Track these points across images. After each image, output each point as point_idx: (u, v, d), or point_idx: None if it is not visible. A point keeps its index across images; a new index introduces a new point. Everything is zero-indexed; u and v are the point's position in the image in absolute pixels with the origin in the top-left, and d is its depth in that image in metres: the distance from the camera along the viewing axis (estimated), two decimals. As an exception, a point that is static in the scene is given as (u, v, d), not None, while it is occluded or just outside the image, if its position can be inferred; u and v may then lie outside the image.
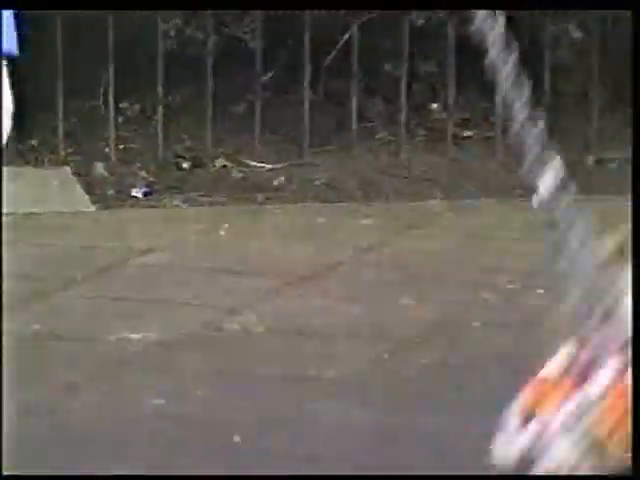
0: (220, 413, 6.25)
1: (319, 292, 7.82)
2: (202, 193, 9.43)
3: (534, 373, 5.84)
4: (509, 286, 7.94)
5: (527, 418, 3.02)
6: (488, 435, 5.96)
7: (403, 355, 7.03)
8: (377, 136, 10.48)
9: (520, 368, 6.55)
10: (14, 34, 4.61)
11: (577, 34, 10.06)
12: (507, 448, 3.14)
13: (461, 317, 7.52)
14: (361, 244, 8.53)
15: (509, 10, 7.71)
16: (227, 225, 8.78)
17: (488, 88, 9.47)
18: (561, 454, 3.00)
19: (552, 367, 3.53)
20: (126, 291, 7.83)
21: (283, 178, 9.64)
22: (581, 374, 3.14)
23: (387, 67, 10.54)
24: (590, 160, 10.25)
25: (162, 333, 7.18)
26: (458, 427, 5.81)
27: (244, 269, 7.99)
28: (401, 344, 7.16)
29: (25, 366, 6.49)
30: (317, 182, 9.64)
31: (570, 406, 2.82)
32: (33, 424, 6.02)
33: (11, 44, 4.51)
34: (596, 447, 2.91)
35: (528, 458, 2.97)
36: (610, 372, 2.88)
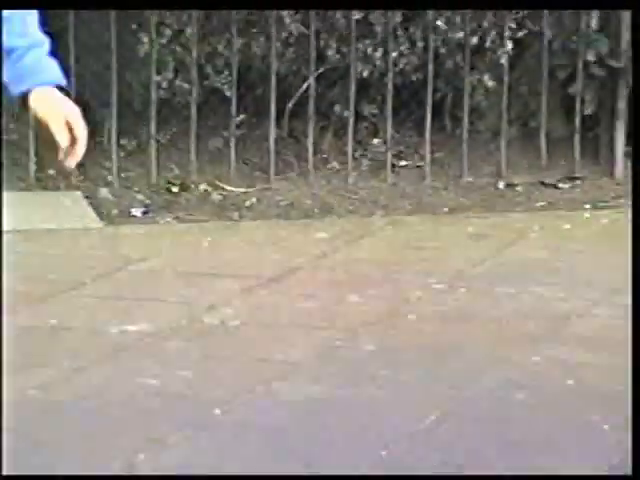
0: (203, 390, 6.13)
1: (283, 291, 7.76)
2: (188, 212, 9.32)
3: (458, 357, 5.44)
4: (437, 286, 7.83)
5: None
6: (416, 403, 5.17)
7: (351, 342, 6.92)
8: (329, 165, 10.32)
9: (445, 353, 6.31)
10: (56, 65, 5.83)
11: (490, 83, 10.04)
12: None
13: (399, 311, 7.39)
14: (317, 252, 8.45)
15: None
16: (209, 238, 8.75)
17: (419, 126, 9.52)
18: None
19: None
20: (125, 291, 7.84)
21: (254, 199, 9.58)
22: None
23: (337, 109, 10.32)
24: (501, 184, 10.21)
25: (154, 326, 7.10)
26: (394, 398, 5.86)
27: (222, 273, 7.91)
28: (349, 333, 7.06)
29: (41, 352, 6.61)
30: (281, 203, 9.56)
31: None
32: (49, 398, 5.94)
33: (58, 75, 4.99)
34: None
35: None
36: None
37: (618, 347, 6.38)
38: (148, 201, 9.43)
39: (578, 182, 10.82)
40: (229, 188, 9.63)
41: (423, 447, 5.57)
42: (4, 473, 4.08)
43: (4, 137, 9.80)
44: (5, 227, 9.48)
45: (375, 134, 10.87)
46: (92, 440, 5.45)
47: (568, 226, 9.55)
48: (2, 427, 4.42)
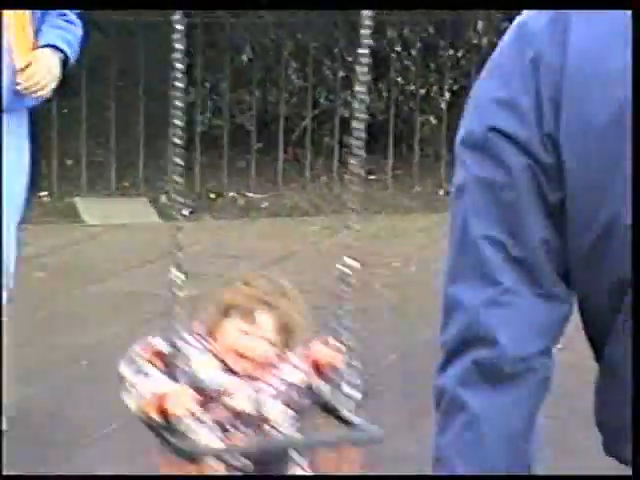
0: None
1: (286, 267, 8.12)
2: (221, 213, 9.87)
3: (408, 311, 5.51)
4: (395, 264, 8.56)
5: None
6: (383, 343, 5.91)
7: (331, 301, 7.34)
8: (320, 179, 10.71)
9: (401, 310, 6.96)
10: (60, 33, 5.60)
11: (434, 121, 10.90)
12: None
13: (367, 280, 7.63)
14: (310, 240, 9.07)
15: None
16: (235, 231, 9.39)
17: (384, 151, 10.25)
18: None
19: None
20: (182, 266, 8.31)
21: (267, 203, 10.04)
22: None
23: (326, 140, 10.74)
24: (441, 192, 10.62)
25: (199, 290, 7.67)
26: (363, 345, 6.42)
27: (244, 255, 8.41)
28: (331, 295, 7.39)
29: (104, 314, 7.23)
30: (286, 205, 10.02)
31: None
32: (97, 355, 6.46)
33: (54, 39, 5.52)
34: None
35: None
36: None
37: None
38: (194, 204, 9.59)
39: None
40: (250, 195, 10.13)
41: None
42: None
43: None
44: (93, 222, 9.58)
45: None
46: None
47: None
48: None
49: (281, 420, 3.54)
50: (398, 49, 11.28)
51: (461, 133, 2.13)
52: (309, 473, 3.56)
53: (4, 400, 5.11)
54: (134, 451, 5.14)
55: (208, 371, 3.50)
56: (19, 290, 6.06)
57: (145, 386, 3.39)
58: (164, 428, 3.43)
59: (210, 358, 3.49)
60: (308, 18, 11.12)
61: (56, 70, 5.42)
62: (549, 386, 2.29)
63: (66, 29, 5.52)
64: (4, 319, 5.35)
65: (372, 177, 10.58)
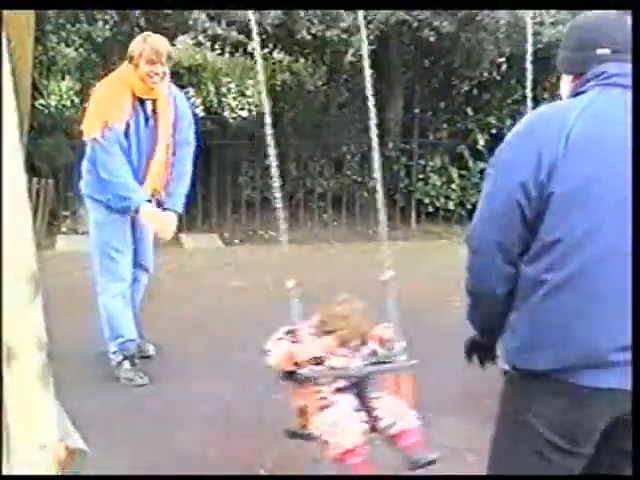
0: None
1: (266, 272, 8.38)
2: (253, 242, 11.82)
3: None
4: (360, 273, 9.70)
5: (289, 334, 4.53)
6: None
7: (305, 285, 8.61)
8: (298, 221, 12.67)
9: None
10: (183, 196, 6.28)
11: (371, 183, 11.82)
12: (274, 349, 4.57)
13: (318, 279, 9.12)
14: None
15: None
16: (257, 252, 10.92)
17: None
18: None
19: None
20: (216, 277, 9.69)
21: (273, 233, 9.98)
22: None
23: (308, 183, 12.72)
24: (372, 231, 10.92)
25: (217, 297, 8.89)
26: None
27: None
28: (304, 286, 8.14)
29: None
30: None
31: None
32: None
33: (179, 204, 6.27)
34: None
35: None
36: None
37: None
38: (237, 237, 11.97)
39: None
40: (270, 233, 11.71)
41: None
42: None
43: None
44: (188, 247, 10.30)
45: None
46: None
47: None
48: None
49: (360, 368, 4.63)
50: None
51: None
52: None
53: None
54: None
55: (316, 346, 4.56)
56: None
57: (280, 349, 4.57)
58: (291, 373, 4.54)
59: (318, 339, 4.58)
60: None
61: (174, 227, 6.23)
62: None
63: (187, 177, 6.34)
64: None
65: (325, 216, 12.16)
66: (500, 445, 3.06)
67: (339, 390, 4.47)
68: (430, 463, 4.36)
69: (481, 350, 3.31)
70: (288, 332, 4.57)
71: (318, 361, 4.48)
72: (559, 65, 3.07)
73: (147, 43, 5.81)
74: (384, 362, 4.64)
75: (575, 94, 2.92)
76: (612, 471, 3.02)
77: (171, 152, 6.16)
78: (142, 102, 5.95)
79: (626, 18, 2.93)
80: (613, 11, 3.07)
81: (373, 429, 4.42)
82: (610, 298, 2.77)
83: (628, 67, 2.84)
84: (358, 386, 4.54)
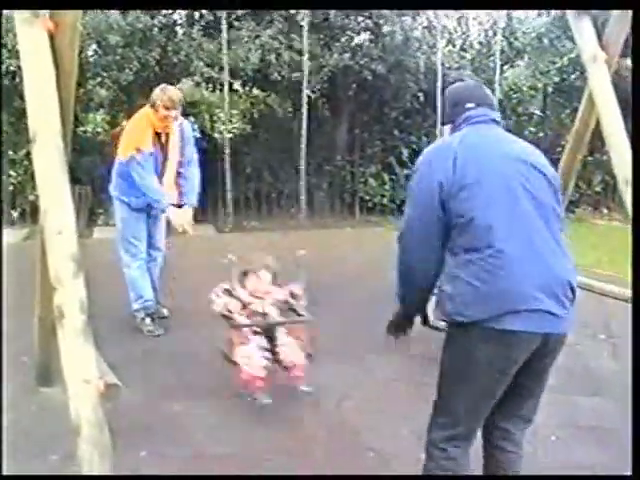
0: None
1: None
2: (246, 230, 11.49)
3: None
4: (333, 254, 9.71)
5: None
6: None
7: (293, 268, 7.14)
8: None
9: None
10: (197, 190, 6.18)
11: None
12: (215, 300, 4.80)
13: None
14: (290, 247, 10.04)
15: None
16: (244, 240, 10.58)
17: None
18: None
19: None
20: (211, 256, 8.09)
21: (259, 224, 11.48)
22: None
23: (279, 186, 12.64)
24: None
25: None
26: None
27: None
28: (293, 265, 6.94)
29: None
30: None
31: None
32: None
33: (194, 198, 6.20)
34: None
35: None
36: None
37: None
38: (227, 226, 11.67)
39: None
40: (252, 223, 11.95)
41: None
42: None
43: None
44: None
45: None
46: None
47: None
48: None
49: (274, 313, 4.95)
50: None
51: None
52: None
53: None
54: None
55: (243, 296, 4.89)
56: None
57: (219, 301, 4.84)
58: (226, 317, 4.82)
59: (244, 291, 4.91)
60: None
61: (191, 219, 6.15)
62: None
63: (196, 180, 6.30)
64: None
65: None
66: (449, 369, 3.05)
67: (255, 332, 4.75)
68: (308, 393, 4.67)
69: (403, 325, 3.31)
70: (225, 289, 4.86)
71: (244, 306, 4.83)
72: (444, 119, 3.27)
73: (165, 94, 5.89)
74: (293, 312, 4.96)
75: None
76: (522, 387, 3.05)
77: (179, 167, 6.25)
78: (158, 135, 6.02)
79: (481, 84, 3.36)
80: (472, 81, 3.68)
81: (276, 361, 4.68)
82: (519, 258, 2.79)
83: (487, 111, 3.17)
84: (270, 331, 4.82)
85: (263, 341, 4.74)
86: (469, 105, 3.14)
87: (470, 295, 2.84)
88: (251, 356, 4.58)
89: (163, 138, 6.06)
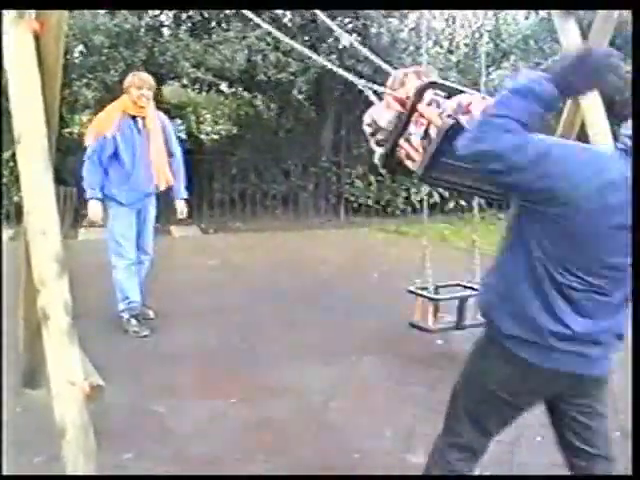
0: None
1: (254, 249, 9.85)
2: (231, 230, 11.61)
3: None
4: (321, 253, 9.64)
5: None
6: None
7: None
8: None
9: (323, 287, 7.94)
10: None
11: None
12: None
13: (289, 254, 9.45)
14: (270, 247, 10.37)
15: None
16: (233, 239, 10.81)
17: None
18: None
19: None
20: (196, 257, 9.51)
21: (244, 226, 11.66)
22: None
23: (264, 187, 12.63)
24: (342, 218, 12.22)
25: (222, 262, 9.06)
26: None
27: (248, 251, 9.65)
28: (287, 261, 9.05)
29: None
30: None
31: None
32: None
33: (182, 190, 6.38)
34: None
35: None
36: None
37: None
38: (212, 227, 11.69)
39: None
40: (237, 224, 11.92)
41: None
42: (4, 473, 3.31)
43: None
44: (177, 235, 10.17)
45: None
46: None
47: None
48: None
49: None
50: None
51: None
52: None
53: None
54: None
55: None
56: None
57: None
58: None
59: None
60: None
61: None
62: None
63: (181, 174, 6.49)
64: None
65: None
66: (468, 376, 2.93)
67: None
68: None
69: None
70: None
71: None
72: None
73: (135, 76, 6.13)
74: None
75: None
76: (572, 419, 2.87)
77: (167, 156, 6.34)
78: (134, 119, 6.09)
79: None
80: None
81: None
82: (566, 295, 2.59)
83: None
84: None
85: None
86: None
87: (508, 302, 2.67)
88: None
89: (140, 123, 6.13)
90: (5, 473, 3.41)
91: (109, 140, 5.96)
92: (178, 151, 6.45)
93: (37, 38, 3.35)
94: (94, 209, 5.99)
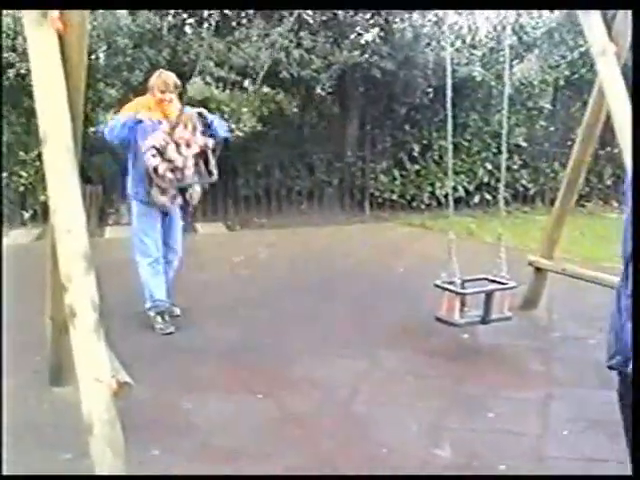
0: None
1: (260, 242, 9.85)
2: (253, 227, 11.63)
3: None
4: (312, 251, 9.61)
5: None
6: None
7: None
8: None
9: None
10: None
11: None
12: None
13: (285, 252, 9.46)
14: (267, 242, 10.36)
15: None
16: (249, 236, 10.86)
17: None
18: None
19: None
20: (222, 253, 9.49)
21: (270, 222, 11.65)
22: None
23: (289, 182, 12.61)
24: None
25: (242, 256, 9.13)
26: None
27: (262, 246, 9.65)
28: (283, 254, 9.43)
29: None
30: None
31: None
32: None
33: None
34: None
35: None
36: None
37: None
38: (237, 224, 11.80)
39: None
40: (262, 220, 11.95)
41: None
42: (4, 473, 3.29)
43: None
44: (203, 232, 10.23)
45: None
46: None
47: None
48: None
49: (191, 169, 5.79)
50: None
51: None
52: None
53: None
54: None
55: (170, 154, 5.68)
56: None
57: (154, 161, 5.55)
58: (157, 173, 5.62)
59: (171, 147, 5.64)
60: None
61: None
62: None
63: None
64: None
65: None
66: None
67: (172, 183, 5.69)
68: None
69: None
70: (155, 147, 5.55)
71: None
72: None
73: (160, 78, 6.06)
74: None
75: None
76: None
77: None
78: (160, 120, 6.05)
79: None
80: None
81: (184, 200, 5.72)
82: None
83: None
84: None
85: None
86: None
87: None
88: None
89: (164, 123, 6.08)
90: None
91: (137, 124, 5.95)
92: (209, 142, 6.17)
93: (61, 38, 3.35)
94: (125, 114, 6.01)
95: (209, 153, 5.82)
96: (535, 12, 13.54)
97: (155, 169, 5.57)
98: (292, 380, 5.06)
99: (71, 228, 3.16)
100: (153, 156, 5.60)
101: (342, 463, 3.93)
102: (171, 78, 6.04)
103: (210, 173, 5.91)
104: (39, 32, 3.33)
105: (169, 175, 5.62)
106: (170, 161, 5.59)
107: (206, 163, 5.85)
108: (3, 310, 5.54)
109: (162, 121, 5.92)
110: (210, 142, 5.62)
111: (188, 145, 5.63)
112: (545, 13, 13.61)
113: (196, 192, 6.08)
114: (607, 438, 3.99)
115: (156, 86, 6.00)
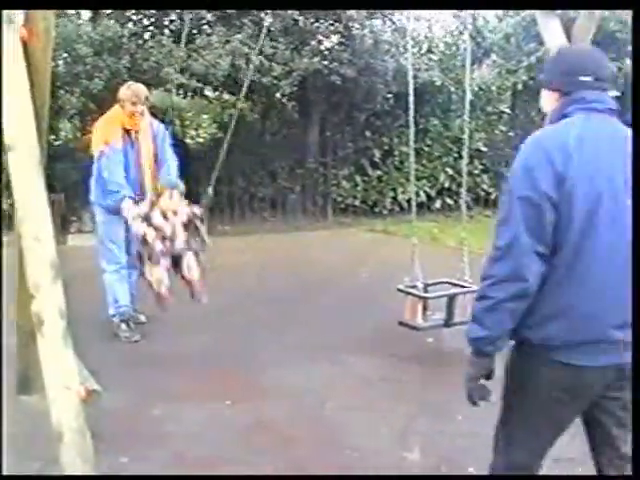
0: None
1: (247, 250, 9.73)
2: (246, 233, 10.56)
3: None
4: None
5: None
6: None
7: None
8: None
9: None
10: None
11: None
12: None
13: (265, 259, 9.44)
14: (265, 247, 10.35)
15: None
16: (242, 242, 9.47)
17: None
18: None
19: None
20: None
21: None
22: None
23: (251, 189, 12.69)
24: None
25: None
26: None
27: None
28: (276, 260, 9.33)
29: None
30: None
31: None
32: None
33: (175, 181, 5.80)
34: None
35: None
36: None
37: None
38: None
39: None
40: (225, 227, 11.76)
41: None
42: (4, 473, 3.24)
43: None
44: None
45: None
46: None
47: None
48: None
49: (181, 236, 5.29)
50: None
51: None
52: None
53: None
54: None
55: (156, 220, 5.31)
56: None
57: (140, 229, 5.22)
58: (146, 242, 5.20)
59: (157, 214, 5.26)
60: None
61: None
62: None
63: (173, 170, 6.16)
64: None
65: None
66: (510, 400, 2.77)
67: (163, 253, 5.20)
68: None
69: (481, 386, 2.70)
70: (140, 215, 5.35)
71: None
72: (545, 83, 2.74)
73: (130, 90, 6.05)
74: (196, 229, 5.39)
75: (561, 115, 2.63)
76: (610, 415, 2.75)
77: (155, 163, 6.25)
78: (128, 132, 6.09)
79: (603, 55, 2.69)
80: (592, 47, 2.91)
81: (182, 277, 5.28)
82: (611, 286, 2.50)
83: (604, 96, 2.62)
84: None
85: (168, 261, 5.28)
86: (585, 78, 2.60)
87: (556, 314, 2.59)
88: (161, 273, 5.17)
89: (133, 135, 6.12)
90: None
91: (117, 150, 5.98)
92: (171, 159, 6.27)
93: (25, 45, 3.35)
94: (126, 205, 5.78)
95: (198, 223, 5.49)
96: (492, 16, 13.60)
97: (144, 237, 5.29)
98: (261, 387, 5.05)
99: (39, 236, 3.16)
100: (140, 222, 5.39)
101: (315, 468, 3.92)
102: (141, 90, 6.07)
103: (203, 241, 5.55)
104: (5, 38, 3.29)
105: (158, 245, 5.31)
106: (157, 229, 5.34)
107: (197, 232, 5.53)
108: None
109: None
110: (198, 210, 5.44)
111: (175, 213, 5.40)
112: (503, 17, 13.67)
113: (192, 261, 5.49)
114: (570, 438, 4.01)
115: (127, 99, 6.00)
